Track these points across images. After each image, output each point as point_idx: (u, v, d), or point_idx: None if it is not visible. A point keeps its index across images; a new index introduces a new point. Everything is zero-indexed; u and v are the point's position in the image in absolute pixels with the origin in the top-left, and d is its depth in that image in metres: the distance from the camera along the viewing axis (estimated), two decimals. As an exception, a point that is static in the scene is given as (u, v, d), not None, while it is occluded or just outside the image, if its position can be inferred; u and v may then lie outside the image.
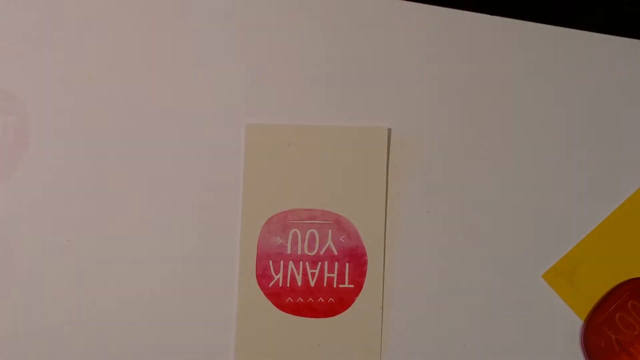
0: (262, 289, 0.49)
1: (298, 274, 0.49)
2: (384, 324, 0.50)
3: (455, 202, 0.50)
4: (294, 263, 0.49)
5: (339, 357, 0.49)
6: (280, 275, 0.49)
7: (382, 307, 0.50)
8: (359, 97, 0.50)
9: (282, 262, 0.49)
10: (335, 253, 0.50)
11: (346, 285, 0.50)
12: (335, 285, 0.49)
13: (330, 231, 0.50)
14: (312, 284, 0.49)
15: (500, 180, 0.50)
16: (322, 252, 0.49)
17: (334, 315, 0.49)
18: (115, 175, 0.49)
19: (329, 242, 0.50)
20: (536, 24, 0.51)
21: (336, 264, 0.50)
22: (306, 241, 0.49)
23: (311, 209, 0.49)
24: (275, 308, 0.49)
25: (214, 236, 0.49)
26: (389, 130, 0.50)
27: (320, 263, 0.49)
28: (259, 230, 0.49)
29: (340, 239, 0.50)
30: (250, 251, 0.49)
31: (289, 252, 0.49)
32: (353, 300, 0.49)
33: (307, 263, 0.49)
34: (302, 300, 0.49)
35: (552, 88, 0.51)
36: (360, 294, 0.50)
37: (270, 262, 0.49)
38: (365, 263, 0.50)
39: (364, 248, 0.50)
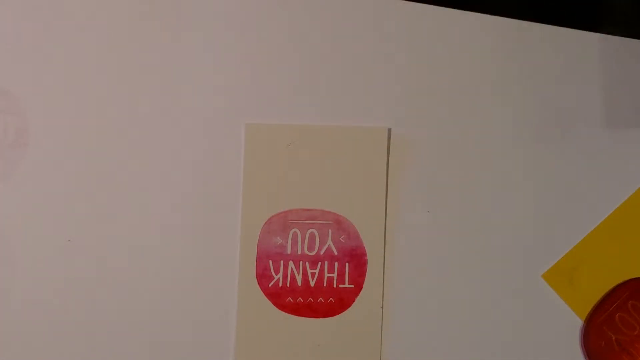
0: (262, 289, 0.49)
1: (298, 274, 0.49)
2: (384, 324, 0.50)
3: (455, 202, 0.50)
4: (294, 263, 0.49)
5: (339, 357, 0.49)
6: (280, 275, 0.49)
7: (382, 307, 0.50)
8: (359, 97, 0.50)
9: (282, 262, 0.49)
10: (335, 253, 0.50)
11: (346, 285, 0.50)
12: (335, 285, 0.49)
13: (330, 231, 0.50)
14: (312, 284, 0.49)
15: (500, 180, 0.50)
16: (322, 252, 0.49)
17: (334, 315, 0.49)
18: (115, 175, 0.49)
19: (329, 242, 0.50)
20: (536, 24, 0.51)
21: (336, 264, 0.50)
22: (306, 241, 0.49)
23: (311, 209, 0.49)
24: (275, 308, 0.49)
25: (214, 236, 0.49)
26: (389, 130, 0.50)
27: (320, 263, 0.49)
28: (259, 230, 0.49)
29: (340, 239, 0.50)
30: (250, 251, 0.49)
31: (289, 252, 0.49)
32: (353, 300, 0.49)
33: (307, 263, 0.49)
34: (302, 300, 0.49)
35: (552, 88, 0.51)
36: (360, 294, 0.50)
37: (270, 262, 0.49)
38: (365, 263, 0.50)
39: (364, 248, 0.50)
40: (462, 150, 0.50)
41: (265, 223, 0.49)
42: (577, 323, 0.50)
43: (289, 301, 0.49)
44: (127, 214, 0.49)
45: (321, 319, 0.49)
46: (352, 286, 0.50)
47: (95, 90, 0.49)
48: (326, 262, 0.49)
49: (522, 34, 0.51)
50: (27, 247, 0.48)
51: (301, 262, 0.49)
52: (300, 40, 0.50)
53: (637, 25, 0.52)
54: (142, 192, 0.49)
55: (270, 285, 0.49)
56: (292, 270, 0.49)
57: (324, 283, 0.49)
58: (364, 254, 0.50)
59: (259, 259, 0.49)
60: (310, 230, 0.49)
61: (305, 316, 0.49)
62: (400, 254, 0.50)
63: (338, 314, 0.49)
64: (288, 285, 0.49)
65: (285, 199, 0.49)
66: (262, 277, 0.49)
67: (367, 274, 0.50)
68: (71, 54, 0.49)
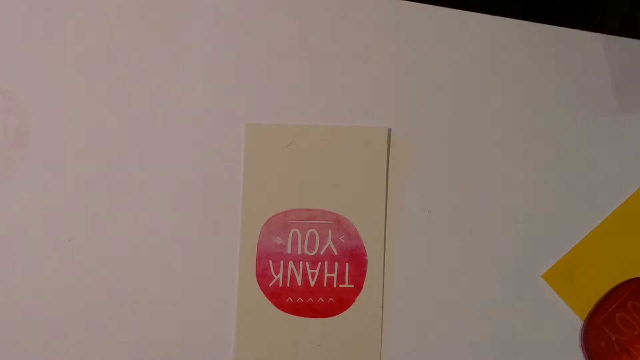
0: (262, 289, 0.49)
1: (298, 274, 0.49)
2: (384, 324, 0.50)
3: (455, 202, 0.50)
4: (294, 263, 0.49)
5: (339, 357, 0.49)
6: (280, 275, 0.49)
7: (382, 307, 0.50)
8: (359, 97, 0.50)
9: (282, 262, 0.49)
10: (335, 253, 0.50)
11: (346, 285, 0.50)
12: (335, 285, 0.49)
13: (330, 231, 0.50)
14: (312, 284, 0.49)
15: (500, 180, 0.50)
16: (322, 252, 0.49)
17: (333, 315, 0.49)
18: (115, 175, 0.49)
19: (329, 242, 0.50)
20: (536, 24, 0.51)
21: (336, 264, 0.50)
22: (306, 241, 0.49)
23: (311, 209, 0.49)
24: (275, 308, 0.49)
25: (214, 236, 0.49)
26: (389, 130, 0.50)
27: (320, 263, 0.49)
28: (259, 230, 0.49)
29: (340, 239, 0.50)
30: (250, 251, 0.49)
31: (289, 252, 0.49)
32: (353, 300, 0.49)
33: (307, 263, 0.49)
34: (302, 300, 0.49)
35: (552, 88, 0.51)
36: (360, 294, 0.50)
37: (270, 262, 0.49)
38: (365, 263, 0.50)
39: (364, 248, 0.50)
40: (462, 150, 0.50)
41: (265, 223, 0.49)
42: (577, 323, 0.50)
43: (289, 301, 0.49)
44: (127, 214, 0.49)
45: (321, 319, 0.49)
46: (352, 286, 0.50)
47: (95, 90, 0.49)
48: (326, 262, 0.49)
49: (522, 34, 0.51)
50: (27, 247, 0.48)
51: (301, 262, 0.49)
52: (300, 40, 0.50)
53: (636, 25, 0.52)
54: (142, 192, 0.49)
55: (270, 285, 0.49)
56: (292, 270, 0.49)
57: (324, 283, 0.49)
58: (364, 254, 0.50)
59: (259, 259, 0.49)
60: (310, 230, 0.49)
61: (305, 316, 0.49)
62: (400, 254, 0.50)
63: (338, 314, 0.49)
64: (288, 285, 0.49)
65: (285, 199, 0.49)
66: (262, 277, 0.49)
67: (367, 274, 0.50)
68: (71, 54, 0.49)
